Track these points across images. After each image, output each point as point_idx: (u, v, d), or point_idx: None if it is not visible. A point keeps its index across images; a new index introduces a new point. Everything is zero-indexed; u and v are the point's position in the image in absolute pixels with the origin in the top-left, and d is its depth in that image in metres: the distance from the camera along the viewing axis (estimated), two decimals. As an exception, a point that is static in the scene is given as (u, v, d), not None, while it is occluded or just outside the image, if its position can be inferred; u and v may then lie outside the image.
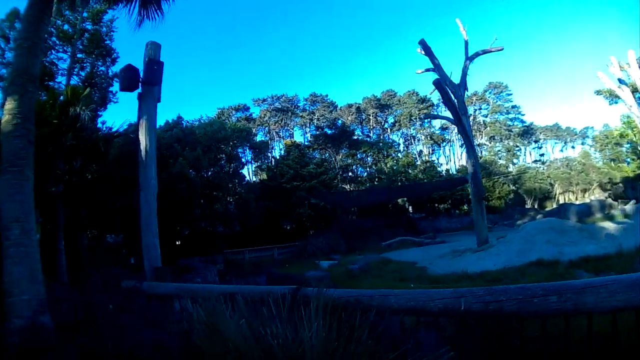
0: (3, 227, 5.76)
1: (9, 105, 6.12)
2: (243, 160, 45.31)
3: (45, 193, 14.29)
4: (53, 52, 22.72)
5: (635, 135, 45.73)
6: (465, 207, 52.78)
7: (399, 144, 63.69)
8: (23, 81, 6.24)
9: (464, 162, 66.56)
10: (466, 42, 25.93)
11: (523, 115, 66.72)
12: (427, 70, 26.04)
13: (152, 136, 9.80)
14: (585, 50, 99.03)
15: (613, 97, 44.84)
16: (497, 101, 65.47)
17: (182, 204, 24.69)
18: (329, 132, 57.21)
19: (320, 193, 36.14)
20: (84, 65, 24.62)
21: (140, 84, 9.81)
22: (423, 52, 24.97)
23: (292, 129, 67.33)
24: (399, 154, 54.66)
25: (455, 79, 25.28)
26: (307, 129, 67.36)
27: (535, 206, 55.66)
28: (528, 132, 66.41)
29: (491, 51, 25.89)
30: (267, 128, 63.62)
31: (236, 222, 32.16)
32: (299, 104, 66.74)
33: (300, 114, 66.30)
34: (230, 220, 31.58)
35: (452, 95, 23.53)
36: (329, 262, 23.40)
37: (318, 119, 65.07)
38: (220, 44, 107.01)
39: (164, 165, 25.93)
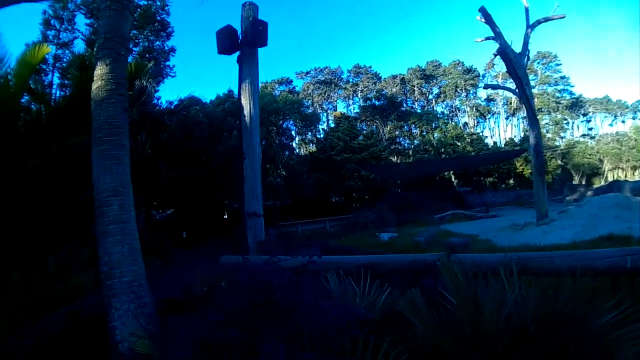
0: (99, 203, 5.22)
1: (101, 70, 5.50)
2: (293, 132, 44.73)
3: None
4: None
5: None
6: (511, 181, 51.77)
7: (444, 116, 61.68)
8: (115, 44, 5.62)
9: (509, 134, 65.12)
10: (527, 9, 24.53)
11: (572, 86, 63.14)
12: (487, 38, 24.53)
13: (255, 100, 9.26)
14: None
15: None
16: (545, 72, 62.19)
17: (240, 178, 24.32)
18: (377, 103, 55.76)
19: (370, 165, 35.45)
20: (137, 41, 24.20)
21: (242, 45, 9.15)
22: (483, 20, 23.54)
23: (335, 101, 66.48)
24: (447, 126, 52.87)
25: (515, 47, 23.86)
26: (351, 102, 66.55)
27: (583, 182, 53.43)
28: (577, 105, 63.16)
29: (553, 19, 24.53)
30: (310, 101, 62.41)
31: (287, 194, 31.61)
32: (342, 76, 65.81)
33: (344, 86, 65.32)
34: (282, 193, 31.09)
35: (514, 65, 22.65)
36: (388, 234, 22.59)
37: (362, 91, 64.06)
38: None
39: (220, 140, 25.53)
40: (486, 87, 49.60)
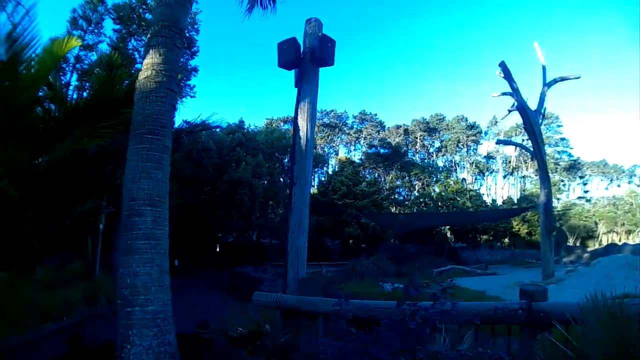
0: (129, 212, 4.31)
1: (152, 59, 4.71)
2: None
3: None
4: (133, 39, 21.59)
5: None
6: (507, 240, 51.22)
7: (445, 170, 61.38)
8: (172, 34, 4.89)
9: (505, 193, 64.77)
10: (544, 67, 24.20)
11: (571, 148, 63.85)
12: (504, 94, 24.41)
13: (313, 122, 8.39)
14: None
15: None
16: (546, 132, 62.45)
17: (243, 210, 23.37)
18: (382, 151, 55.31)
19: (372, 213, 34.60)
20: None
21: (304, 62, 8.41)
22: (502, 75, 23.24)
23: (337, 146, 66.13)
24: (447, 180, 52.41)
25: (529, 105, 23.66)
26: (352, 147, 66.35)
27: (578, 244, 52.80)
28: (574, 167, 63.51)
29: (569, 78, 24.23)
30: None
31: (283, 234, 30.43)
32: (346, 121, 66.08)
33: (347, 132, 65.20)
34: (280, 232, 29.91)
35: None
36: (390, 284, 21.48)
37: (365, 138, 64.11)
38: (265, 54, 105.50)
39: (227, 170, 24.75)
40: (499, 142, 49.22)
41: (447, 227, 47.34)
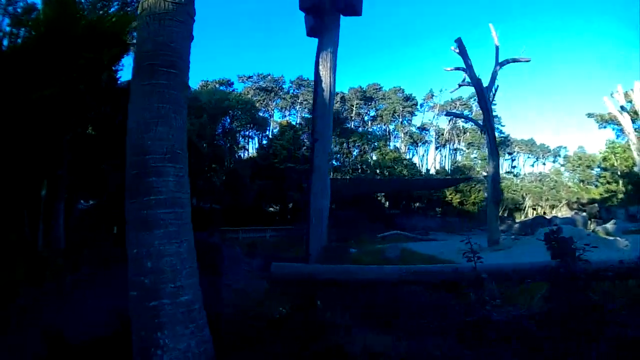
0: (141, 170, 3.15)
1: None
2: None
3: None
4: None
5: (617, 160, 46.57)
6: (439, 209, 52.34)
7: (384, 138, 61.51)
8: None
9: (437, 164, 66.04)
10: (497, 47, 25.15)
11: (503, 126, 65.17)
12: (457, 69, 25.81)
13: (335, 74, 7.33)
14: (574, 75, 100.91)
15: (603, 122, 46.13)
16: (479, 110, 63.88)
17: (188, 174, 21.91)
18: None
19: (311, 177, 33.80)
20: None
21: (327, 10, 7.28)
22: (457, 51, 24.27)
23: (272, 110, 64.60)
24: (386, 148, 52.56)
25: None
26: (287, 113, 65.14)
27: (506, 215, 54.96)
28: (504, 143, 65.44)
29: (520, 60, 25.62)
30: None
31: (228, 199, 29.03)
32: (283, 86, 64.47)
33: (283, 96, 63.72)
34: (223, 196, 28.51)
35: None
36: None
37: (301, 103, 62.93)
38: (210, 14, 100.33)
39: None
40: (448, 114, 50.24)
41: (383, 194, 47.64)
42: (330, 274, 5.23)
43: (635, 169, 35.82)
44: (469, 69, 24.10)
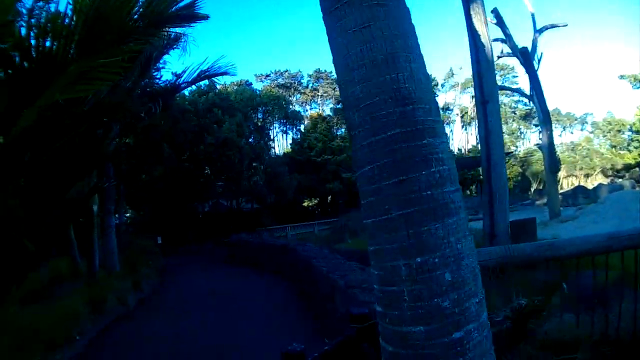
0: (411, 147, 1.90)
1: None
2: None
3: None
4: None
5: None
6: (473, 187, 51.35)
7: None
8: None
9: (463, 143, 64.32)
10: (533, 15, 24.55)
11: (527, 97, 63.33)
12: (496, 40, 23.67)
13: (487, 27, 6.16)
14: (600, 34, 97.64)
15: (637, 82, 44.04)
16: (503, 82, 62.19)
17: (233, 172, 20.80)
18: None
19: (350, 167, 32.74)
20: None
21: None
22: (494, 22, 22.82)
23: (293, 105, 63.51)
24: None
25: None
26: (308, 107, 64.08)
27: (541, 188, 53.43)
28: (530, 115, 63.85)
29: (558, 26, 24.86)
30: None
31: (270, 195, 27.88)
32: (301, 81, 63.69)
33: (302, 91, 62.81)
34: (264, 194, 27.35)
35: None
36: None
37: (321, 96, 61.92)
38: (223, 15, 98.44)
39: (207, 132, 22.02)
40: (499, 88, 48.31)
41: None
42: (539, 252, 4.03)
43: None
44: (508, 38, 23.21)
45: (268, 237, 21.05)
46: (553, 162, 21.59)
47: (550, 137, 21.98)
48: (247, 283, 13.08)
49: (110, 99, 6.43)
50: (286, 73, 62.03)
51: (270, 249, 14.73)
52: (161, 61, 13.92)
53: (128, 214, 24.92)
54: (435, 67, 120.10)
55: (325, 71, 62.53)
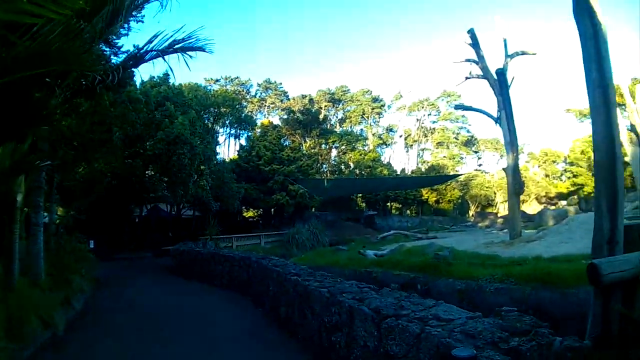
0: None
1: None
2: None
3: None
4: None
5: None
6: (414, 207, 51.60)
7: (362, 138, 59.89)
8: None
9: (406, 164, 64.59)
10: (505, 41, 24.12)
11: (470, 125, 65.40)
12: (467, 60, 24.22)
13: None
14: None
15: (582, 117, 45.71)
16: (448, 109, 63.45)
17: (182, 173, 18.77)
18: (302, 117, 51.54)
19: (299, 179, 31.38)
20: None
21: None
22: (469, 42, 23.09)
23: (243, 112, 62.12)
24: (365, 148, 50.99)
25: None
26: (255, 115, 62.35)
27: (479, 211, 54.51)
28: (471, 142, 65.29)
29: (527, 53, 24.56)
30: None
31: (214, 204, 25.62)
32: (250, 89, 62.48)
33: (250, 100, 61.15)
34: (209, 201, 25.09)
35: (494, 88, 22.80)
36: (373, 251, 18.54)
37: (268, 107, 60.98)
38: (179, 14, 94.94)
39: (158, 126, 20.00)
40: (457, 107, 48.15)
41: (360, 195, 46.15)
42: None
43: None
44: (480, 60, 23.02)
45: (214, 247, 19.12)
46: (517, 183, 21.15)
47: (516, 159, 21.60)
48: (208, 304, 10.33)
49: (61, 43, 4.71)
50: (236, 80, 60.66)
51: (228, 261, 12.73)
52: (125, 27, 12.00)
53: (59, 212, 22.16)
54: (381, 90, 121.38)
55: (274, 82, 61.90)
